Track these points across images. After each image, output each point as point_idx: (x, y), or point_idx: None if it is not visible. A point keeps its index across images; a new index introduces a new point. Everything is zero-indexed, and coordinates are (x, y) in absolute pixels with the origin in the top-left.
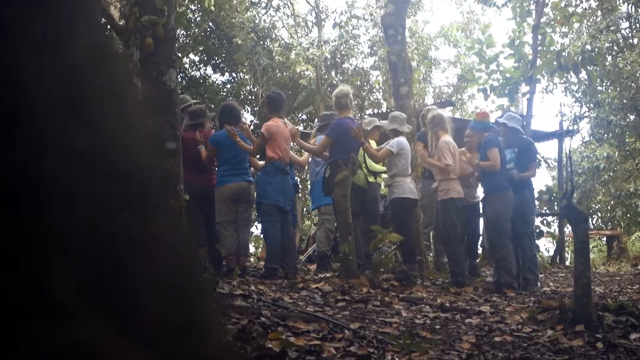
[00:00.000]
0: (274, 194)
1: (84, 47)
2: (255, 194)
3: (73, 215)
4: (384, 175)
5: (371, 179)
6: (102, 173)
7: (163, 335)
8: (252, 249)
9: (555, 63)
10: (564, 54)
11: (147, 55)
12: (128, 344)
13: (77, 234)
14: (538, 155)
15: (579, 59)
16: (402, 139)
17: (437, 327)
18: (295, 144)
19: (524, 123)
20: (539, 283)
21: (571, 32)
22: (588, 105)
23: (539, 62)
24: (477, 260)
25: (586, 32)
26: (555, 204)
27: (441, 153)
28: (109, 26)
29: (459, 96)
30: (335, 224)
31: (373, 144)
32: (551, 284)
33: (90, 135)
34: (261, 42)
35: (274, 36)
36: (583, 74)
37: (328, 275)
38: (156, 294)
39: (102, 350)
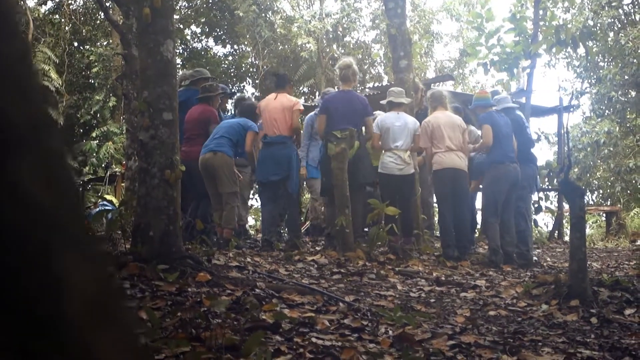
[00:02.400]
0: (262, 169)
1: None
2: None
3: None
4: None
5: None
6: None
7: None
8: (252, 222)
9: (553, 38)
10: (562, 29)
11: (144, 26)
12: None
13: None
14: (537, 130)
15: (578, 34)
16: (382, 117)
17: (432, 300)
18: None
19: (524, 98)
20: (534, 258)
21: (573, 7)
22: (589, 81)
23: (540, 37)
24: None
25: (588, 8)
26: (555, 179)
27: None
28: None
29: (461, 71)
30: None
31: None
32: (548, 259)
33: None
34: (263, 15)
35: (275, 8)
36: (582, 49)
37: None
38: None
39: None
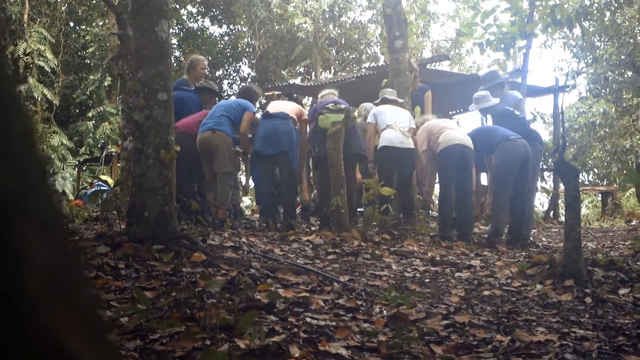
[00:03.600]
0: (260, 141)
1: None
2: (230, 143)
3: None
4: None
5: None
6: None
7: None
8: (247, 202)
9: (549, 18)
10: (558, 8)
11: (139, 6)
12: None
13: None
14: (533, 110)
15: (574, 14)
16: (373, 109)
17: (427, 280)
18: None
19: (520, 78)
20: (530, 239)
21: None
22: (586, 60)
23: (535, 16)
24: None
25: None
26: (550, 159)
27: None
28: None
29: (457, 51)
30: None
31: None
32: (544, 239)
33: None
34: None
35: None
36: (578, 29)
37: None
38: None
39: None
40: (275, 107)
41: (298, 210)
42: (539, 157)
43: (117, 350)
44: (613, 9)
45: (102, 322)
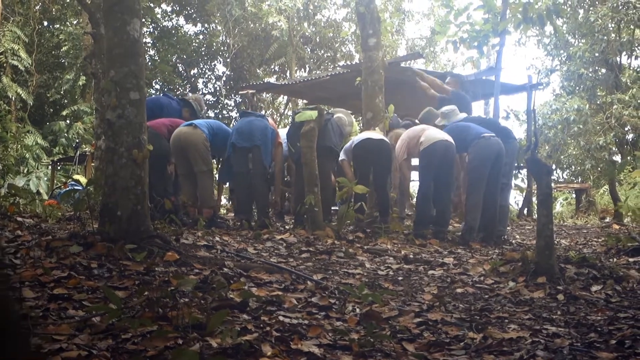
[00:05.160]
0: (235, 135)
1: None
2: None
3: None
4: None
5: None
6: None
7: None
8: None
9: (520, 15)
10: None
11: (110, 5)
12: None
13: None
14: (507, 108)
15: (545, 11)
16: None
17: (400, 278)
18: None
19: (494, 76)
20: (504, 236)
21: None
22: (559, 58)
23: (508, 14)
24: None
25: None
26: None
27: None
28: None
29: (432, 49)
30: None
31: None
32: (517, 236)
33: None
34: None
35: None
36: (550, 27)
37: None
38: None
39: None
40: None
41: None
42: (515, 154)
43: (29, 346)
44: (586, 6)
45: (15, 319)
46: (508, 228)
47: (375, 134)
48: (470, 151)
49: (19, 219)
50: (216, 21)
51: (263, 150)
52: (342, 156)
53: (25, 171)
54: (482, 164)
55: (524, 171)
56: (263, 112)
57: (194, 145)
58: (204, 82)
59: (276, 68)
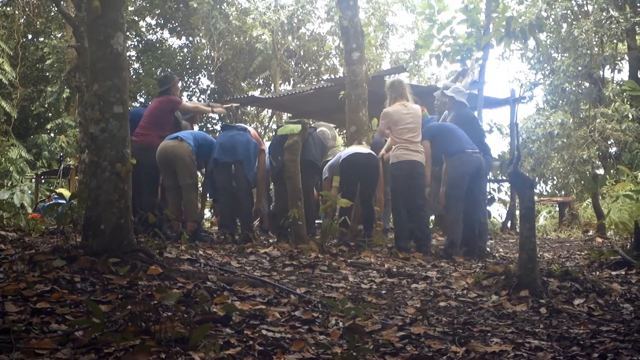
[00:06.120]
0: (218, 150)
1: None
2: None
3: None
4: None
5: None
6: None
7: None
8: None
9: (503, 29)
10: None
11: (94, 18)
12: None
13: None
14: (490, 122)
15: (527, 26)
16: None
17: (383, 292)
18: None
19: (477, 90)
20: (487, 249)
21: None
22: (543, 72)
23: (492, 28)
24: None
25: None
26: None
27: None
28: None
29: (416, 62)
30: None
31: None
32: (501, 249)
33: None
34: (218, 6)
35: (230, 0)
36: (533, 41)
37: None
38: None
39: None
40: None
41: (256, 224)
42: (490, 170)
43: None
44: (570, 20)
45: None
46: (492, 241)
47: (363, 149)
48: (450, 164)
49: (2, 232)
50: (200, 34)
51: (246, 165)
52: (326, 173)
53: (9, 184)
54: (461, 178)
55: (507, 185)
56: (248, 124)
57: (180, 158)
58: (188, 95)
59: (260, 81)
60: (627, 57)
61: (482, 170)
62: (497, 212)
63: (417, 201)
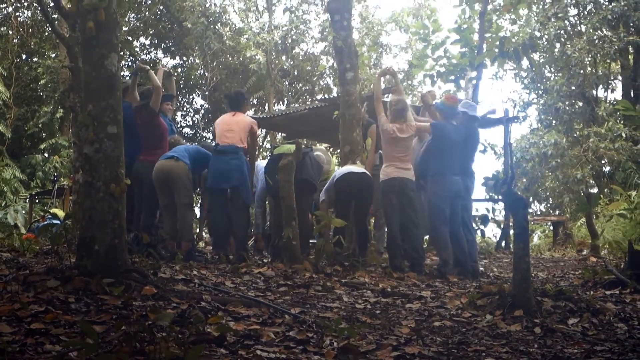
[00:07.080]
0: (212, 177)
1: None
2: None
3: None
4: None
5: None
6: None
7: None
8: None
9: (496, 49)
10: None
11: (88, 39)
12: None
13: None
14: (484, 142)
15: (521, 46)
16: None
17: (378, 312)
18: None
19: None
20: (480, 269)
21: (520, 19)
22: (536, 92)
23: (485, 48)
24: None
25: (535, 19)
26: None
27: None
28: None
29: (410, 82)
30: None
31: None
32: (495, 269)
33: None
34: (212, 26)
35: (224, 20)
36: (526, 61)
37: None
38: None
39: None
40: (225, 122)
41: (250, 243)
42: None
43: None
44: (563, 40)
45: None
46: (486, 261)
47: (357, 168)
48: (429, 186)
49: None
50: (194, 54)
51: (242, 190)
52: (322, 196)
53: (3, 204)
54: (440, 200)
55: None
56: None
57: (178, 178)
58: (182, 115)
59: (254, 101)
60: (620, 77)
61: (461, 193)
62: (492, 232)
63: (409, 219)
